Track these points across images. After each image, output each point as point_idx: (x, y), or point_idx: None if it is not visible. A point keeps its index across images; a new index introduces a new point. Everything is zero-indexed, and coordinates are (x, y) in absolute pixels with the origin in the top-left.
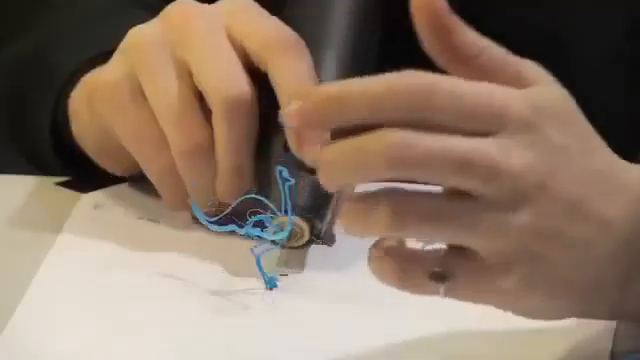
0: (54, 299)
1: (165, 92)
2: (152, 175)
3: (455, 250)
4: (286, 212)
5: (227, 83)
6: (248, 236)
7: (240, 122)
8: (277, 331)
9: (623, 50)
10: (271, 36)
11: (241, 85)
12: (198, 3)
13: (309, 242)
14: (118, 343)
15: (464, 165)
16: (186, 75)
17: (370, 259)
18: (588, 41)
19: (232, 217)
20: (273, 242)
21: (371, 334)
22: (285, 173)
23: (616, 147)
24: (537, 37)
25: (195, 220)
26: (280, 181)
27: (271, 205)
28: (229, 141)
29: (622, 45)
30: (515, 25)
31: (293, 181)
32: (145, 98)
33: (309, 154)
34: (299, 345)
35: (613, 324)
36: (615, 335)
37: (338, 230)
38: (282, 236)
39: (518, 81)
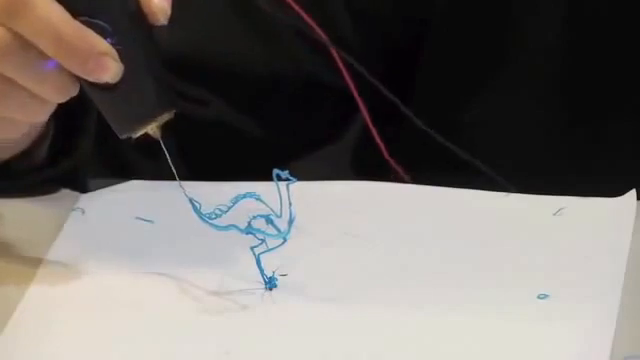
0: (53, 300)
1: None
2: None
3: None
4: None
5: None
6: (248, 235)
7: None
8: (276, 331)
9: (560, 42)
10: None
11: None
12: None
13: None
14: (117, 344)
15: None
16: None
17: None
18: (526, 35)
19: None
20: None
21: (371, 334)
22: (284, 173)
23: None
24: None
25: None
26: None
27: (269, 205)
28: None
29: (559, 37)
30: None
31: (294, 180)
32: None
33: None
34: (299, 345)
35: (613, 325)
36: (615, 336)
37: (338, 230)
38: (282, 235)
39: None
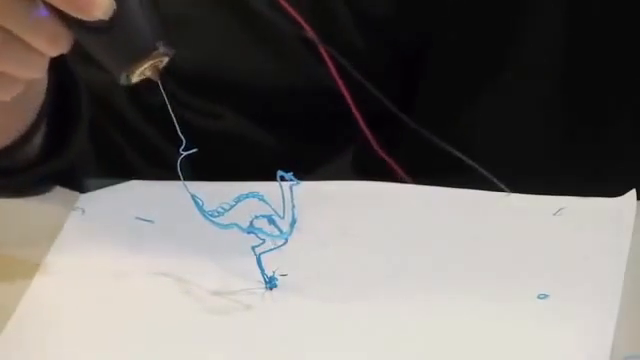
0: (53, 300)
1: None
2: None
3: None
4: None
5: None
6: (249, 234)
7: None
8: (277, 331)
9: (561, 44)
10: None
11: None
12: None
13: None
14: (117, 344)
15: None
16: None
17: None
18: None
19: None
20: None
21: (371, 334)
22: (288, 175)
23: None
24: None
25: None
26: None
27: (271, 205)
28: None
29: (560, 39)
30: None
31: (296, 181)
32: None
33: None
34: (299, 345)
35: (613, 325)
36: (615, 336)
37: (338, 230)
38: (283, 236)
39: None
